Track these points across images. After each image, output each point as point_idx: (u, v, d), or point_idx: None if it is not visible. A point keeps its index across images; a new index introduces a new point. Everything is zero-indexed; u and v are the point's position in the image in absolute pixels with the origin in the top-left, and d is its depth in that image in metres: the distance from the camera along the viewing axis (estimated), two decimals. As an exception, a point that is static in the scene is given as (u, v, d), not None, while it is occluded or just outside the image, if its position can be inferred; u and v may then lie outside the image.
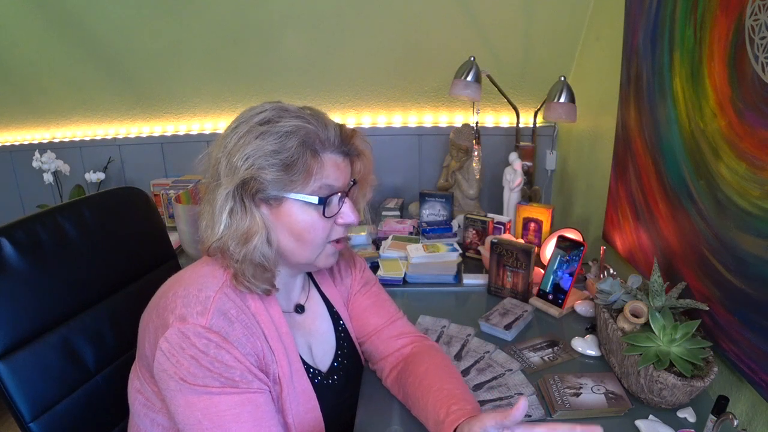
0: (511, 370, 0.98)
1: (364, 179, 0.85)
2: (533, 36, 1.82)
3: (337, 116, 2.12)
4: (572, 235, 1.30)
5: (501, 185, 1.74)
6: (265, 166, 0.71)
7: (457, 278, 1.41)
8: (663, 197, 1.10)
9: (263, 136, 0.72)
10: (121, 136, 2.23)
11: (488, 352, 1.05)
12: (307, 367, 0.83)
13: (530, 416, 0.86)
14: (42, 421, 0.82)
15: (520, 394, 0.91)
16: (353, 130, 0.80)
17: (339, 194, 0.77)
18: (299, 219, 0.75)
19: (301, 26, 1.88)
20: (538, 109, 1.77)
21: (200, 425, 0.66)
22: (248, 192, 0.72)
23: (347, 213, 0.79)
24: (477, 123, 1.77)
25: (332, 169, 0.76)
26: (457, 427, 0.71)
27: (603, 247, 1.32)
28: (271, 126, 0.72)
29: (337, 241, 0.81)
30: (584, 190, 1.74)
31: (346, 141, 0.78)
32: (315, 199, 0.74)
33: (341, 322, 0.93)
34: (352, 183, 0.82)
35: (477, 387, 0.94)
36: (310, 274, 0.93)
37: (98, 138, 2.24)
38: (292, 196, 0.74)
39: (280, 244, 0.77)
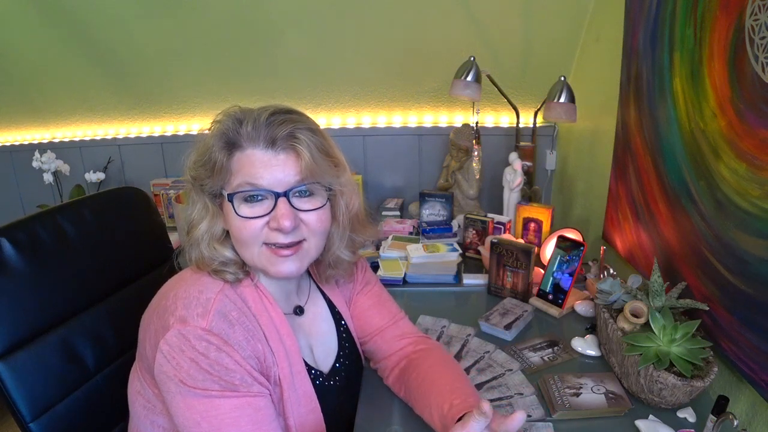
0: (511, 370, 0.99)
1: (329, 180, 0.76)
2: (533, 36, 1.81)
3: (337, 116, 2.12)
4: (572, 235, 1.30)
5: (501, 185, 1.74)
6: (194, 164, 0.76)
7: (457, 278, 1.41)
8: (663, 197, 1.10)
9: (198, 139, 0.77)
10: (121, 136, 2.23)
11: (488, 352, 1.05)
12: (309, 368, 0.82)
13: (530, 416, 0.86)
14: (42, 421, 0.82)
15: (520, 394, 0.91)
16: (282, 121, 0.72)
17: (257, 192, 0.72)
18: (228, 215, 0.75)
19: (301, 26, 1.88)
20: (538, 109, 1.77)
21: (199, 428, 0.66)
22: (197, 187, 0.77)
23: (275, 216, 0.72)
24: (477, 123, 1.77)
25: (250, 166, 0.72)
26: (462, 417, 0.71)
27: (603, 247, 1.32)
28: (208, 129, 0.77)
29: (272, 245, 0.73)
30: (584, 190, 1.74)
31: (268, 134, 0.72)
32: (226, 196, 0.74)
33: (343, 322, 0.93)
34: (303, 184, 0.73)
35: (477, 387, 0.94)
36: (312, 275, 0.93)
37: (98, 138, 2.24)
38: (224, 192, 0.75)
39: (233, 244, 0.77)
